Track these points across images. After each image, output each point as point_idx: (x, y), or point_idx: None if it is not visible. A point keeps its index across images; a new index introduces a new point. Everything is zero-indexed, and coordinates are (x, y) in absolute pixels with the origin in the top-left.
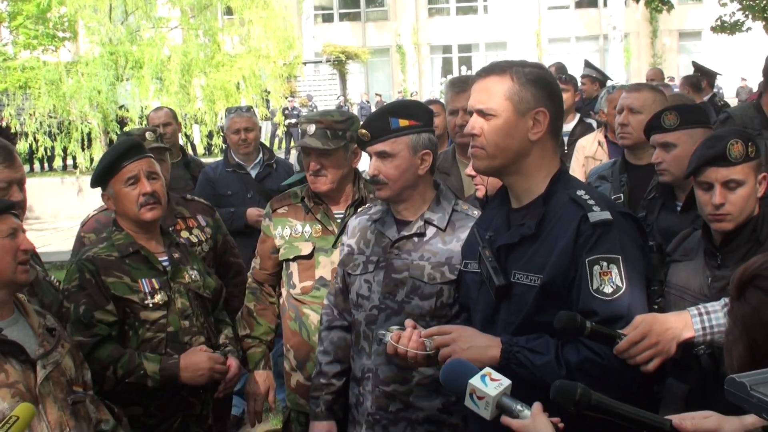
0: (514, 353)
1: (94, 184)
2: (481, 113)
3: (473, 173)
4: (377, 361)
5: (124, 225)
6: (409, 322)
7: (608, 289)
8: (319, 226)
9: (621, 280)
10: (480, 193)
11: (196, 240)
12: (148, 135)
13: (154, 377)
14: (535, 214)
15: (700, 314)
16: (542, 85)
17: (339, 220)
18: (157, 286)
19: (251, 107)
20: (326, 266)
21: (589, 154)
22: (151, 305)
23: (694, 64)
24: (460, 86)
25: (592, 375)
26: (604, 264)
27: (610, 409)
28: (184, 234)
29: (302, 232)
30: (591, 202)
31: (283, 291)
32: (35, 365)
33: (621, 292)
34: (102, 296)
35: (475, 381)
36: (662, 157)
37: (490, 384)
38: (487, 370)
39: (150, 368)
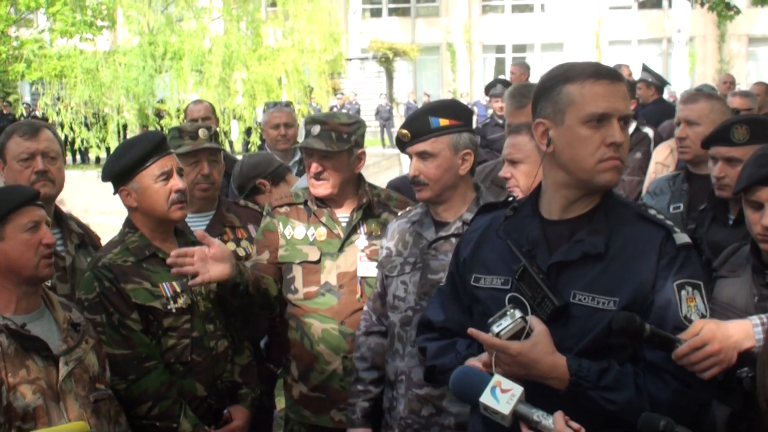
0: (585, 390)
1: (115, 178)
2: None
3: (508, 175)
4: (411, 364)
5: (140, 223)
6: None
7: (695, 317)
8: (324, 230)
9: (705, 307)
10: (518, 194)
11: (244, 253)
12: (201, 133)
13: None
14: (598, 231)
15: (763, 323)
16: None
17: (344, 224)
18: (178, 290)
19: (291, 103)
20: (332, 271)
21: (659, 160)
22: (174, 310)
23: None
24: (520, 101)
25: (685, 410)
26: (690, 289)
27: None
28: (231, 246)
29: (306, 235)
30: (669, 222)
31: None
32: (58, 361)
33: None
34: (126, 305)
35: (485, 399)
36: (726, 172)
37: (502, 398)
38: (497, 379)
39: (184, 427)
